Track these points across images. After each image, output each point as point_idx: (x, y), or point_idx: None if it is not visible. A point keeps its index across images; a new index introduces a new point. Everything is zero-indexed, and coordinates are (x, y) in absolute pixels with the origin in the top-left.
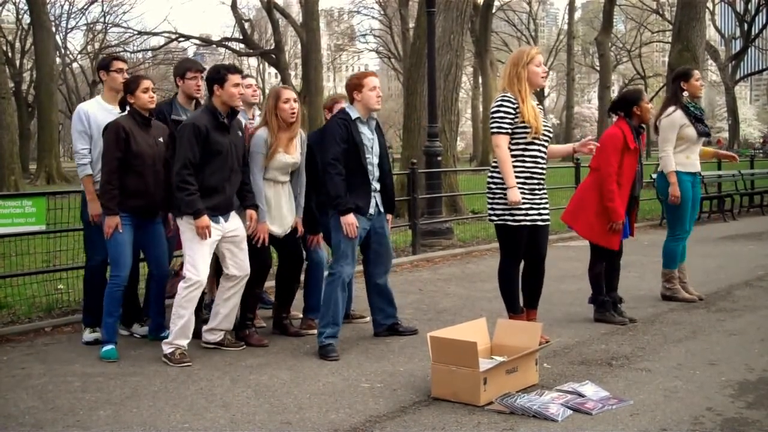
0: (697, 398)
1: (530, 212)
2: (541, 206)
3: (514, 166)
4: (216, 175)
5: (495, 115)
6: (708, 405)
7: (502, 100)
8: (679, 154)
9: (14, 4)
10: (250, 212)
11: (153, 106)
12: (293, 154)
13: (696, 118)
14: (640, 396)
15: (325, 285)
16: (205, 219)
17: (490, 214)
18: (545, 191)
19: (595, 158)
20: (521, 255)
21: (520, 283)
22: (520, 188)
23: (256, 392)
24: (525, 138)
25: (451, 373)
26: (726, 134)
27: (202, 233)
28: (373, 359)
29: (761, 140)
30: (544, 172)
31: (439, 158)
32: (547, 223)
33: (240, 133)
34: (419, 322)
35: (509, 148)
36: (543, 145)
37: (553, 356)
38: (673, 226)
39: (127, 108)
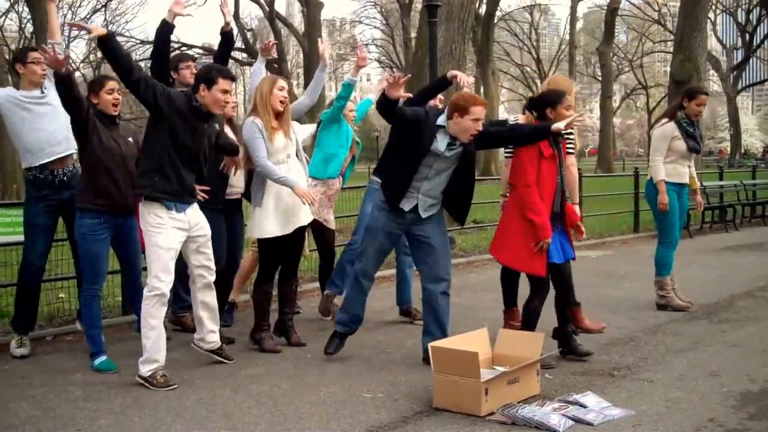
0: (699, 409)
1: None
2: None
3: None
4: (174, 158)
5: (570, 136)
6: (710, 416)
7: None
8: (667, 165)
9: (17, 13)
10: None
11: (116, 110)
12: (290, 136)
13: (688, 133)
14: (642, 407)
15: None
16: None
17: None
18: None
19: (512, 173)
20: None
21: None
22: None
23: (257, 402)
24: None
25: (452, 384)
26: (728, 144)
27: None
28: (374, 369)
29: (763, 150)
30: None
31: None
32: None
33: (217, 127)
34: (420, 332)
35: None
36: None
37: (555, 367)
38: (662, 234)
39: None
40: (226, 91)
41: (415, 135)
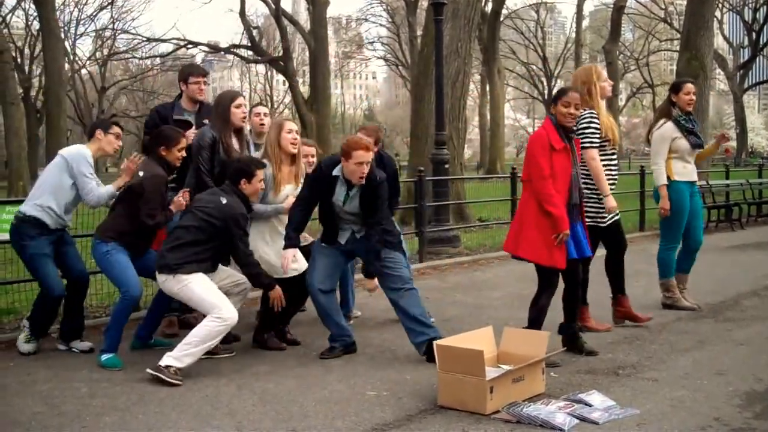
0: (705, 408)
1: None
2: None
3: (605, 174)
4: (218, 253)
5: (587, 130)
6: (715, 415)
7: (591, 117)
8: (677, 162)
9: (24, 10)
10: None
11: (179, 165)
12: (298, 187)
13: (688, 130)
14: (646, 406)
15: None
16: None
17: (594, 218)
18: None
19: (525, 168)
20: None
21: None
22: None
23: (262, 399)
24: (606, 148)
25: (457, 382)
26: (734, 143)
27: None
28: (379, 367)
29: None
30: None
31: (447, 166)
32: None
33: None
34: None
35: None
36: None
37: (560, 365)
38: (665, 236)
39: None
40: (261, 179)
41: (320, 191)
